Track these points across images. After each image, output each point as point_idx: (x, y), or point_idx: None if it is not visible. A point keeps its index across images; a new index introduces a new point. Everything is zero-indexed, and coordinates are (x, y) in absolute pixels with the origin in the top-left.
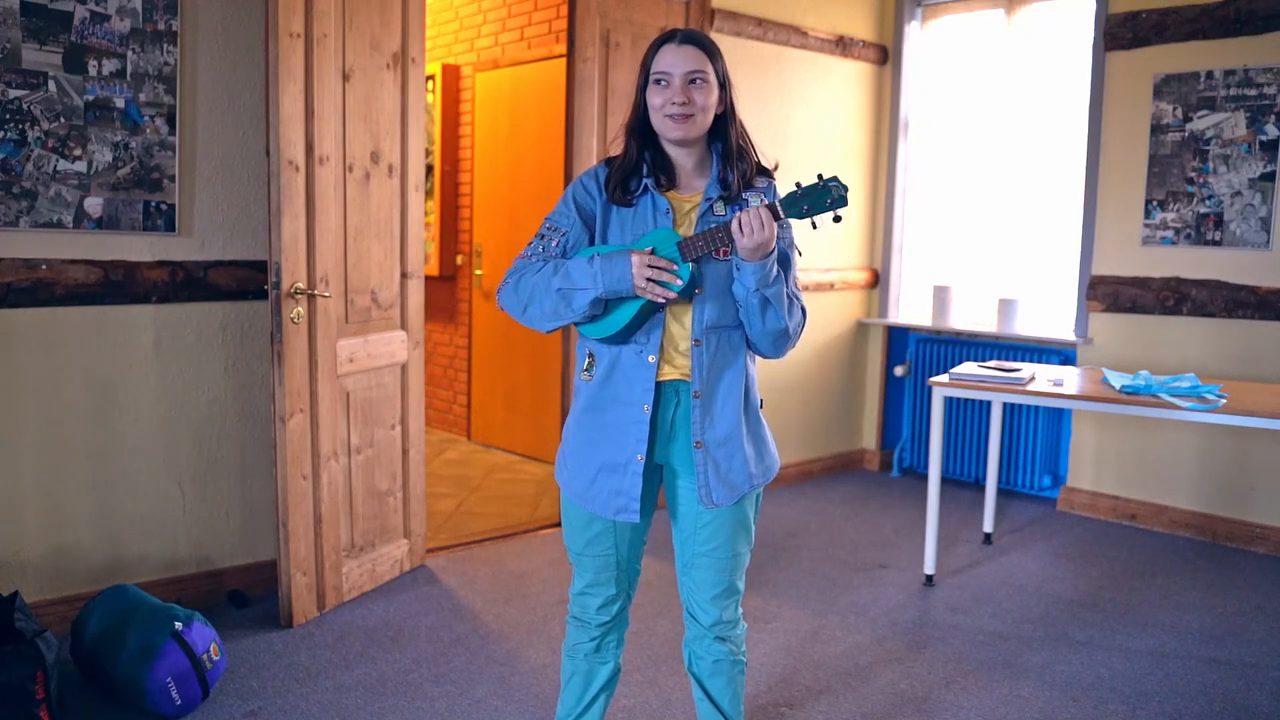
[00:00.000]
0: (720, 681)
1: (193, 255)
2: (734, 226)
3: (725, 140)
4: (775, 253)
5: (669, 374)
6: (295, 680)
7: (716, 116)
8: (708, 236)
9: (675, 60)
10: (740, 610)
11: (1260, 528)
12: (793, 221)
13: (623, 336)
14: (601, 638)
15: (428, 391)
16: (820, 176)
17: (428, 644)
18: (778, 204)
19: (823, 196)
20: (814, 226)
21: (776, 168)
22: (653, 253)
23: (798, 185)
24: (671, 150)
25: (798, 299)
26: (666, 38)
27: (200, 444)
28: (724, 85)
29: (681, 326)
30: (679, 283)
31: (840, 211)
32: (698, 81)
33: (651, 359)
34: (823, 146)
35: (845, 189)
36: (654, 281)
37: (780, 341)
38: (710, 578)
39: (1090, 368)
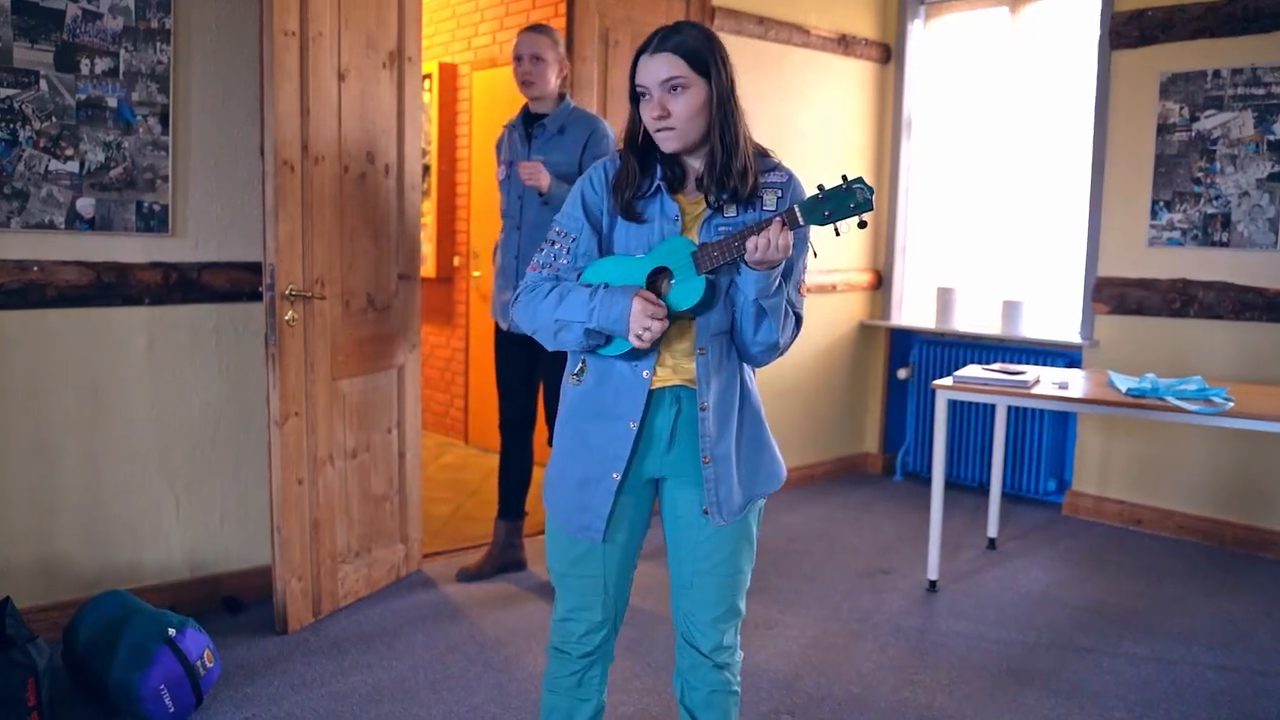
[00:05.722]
0: (715, 715)
1: (186, 256)
2: (749, 244)
3: (708, 140)
4: (782, 265)
5: (669, 380)
6: (290, 687)
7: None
8: (724, 246)
9: (649, 70)
10: (739, 637)
11: (1269, 533)
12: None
13: (629, 357)
14: (584, 671)
15: (424, 394)
16: (845, 178)
17: (424, 650)
18: (798, 210)
19: (845, 200)
20: (837, 234)
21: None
22: (670, 276)
23: (820, 188)
24: (679, 155)
25: (795, 310)
26: (644, 45)
27: (194, 448)
28: (710, 78)
29: (682, 332)
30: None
31: (866, 217)
32: (678, 89)
33: (646, 373)
34: (825, 146)
35: (871, 191)
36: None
37: (769, 353)
38: (712, 597)
39: (1096, 370)
